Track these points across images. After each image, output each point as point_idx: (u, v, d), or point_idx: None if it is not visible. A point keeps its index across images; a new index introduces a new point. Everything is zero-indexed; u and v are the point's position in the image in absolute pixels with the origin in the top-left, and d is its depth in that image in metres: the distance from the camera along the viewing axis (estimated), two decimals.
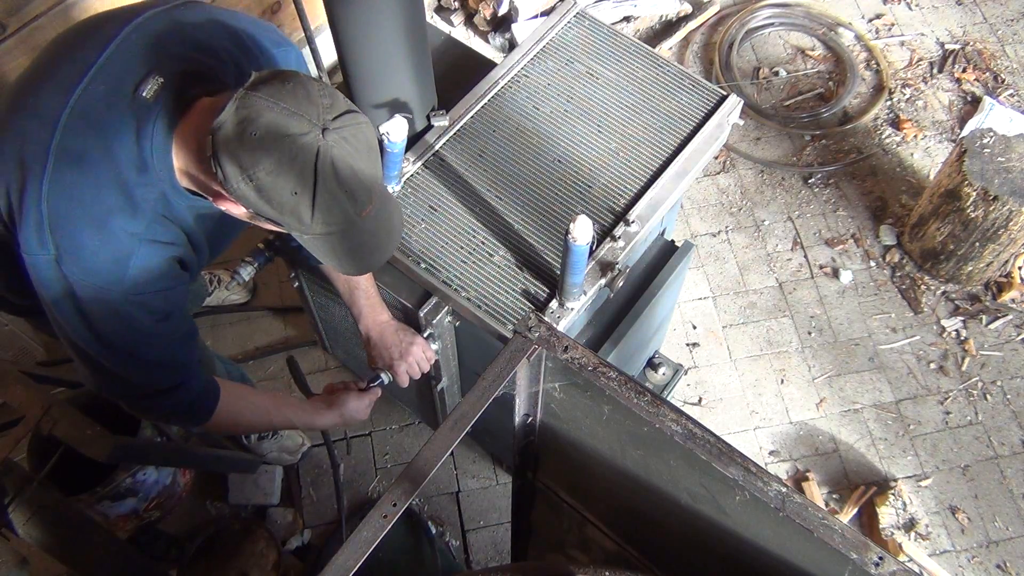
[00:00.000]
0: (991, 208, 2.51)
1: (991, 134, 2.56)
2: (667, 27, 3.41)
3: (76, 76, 1.20)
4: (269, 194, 1.09)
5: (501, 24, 3.32)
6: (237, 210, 1.19)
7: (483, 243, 1.68)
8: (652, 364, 2.39)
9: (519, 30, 3.25)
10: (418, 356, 1.77)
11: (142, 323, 1.29)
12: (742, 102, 1.84)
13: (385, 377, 1.82)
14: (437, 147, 1.78)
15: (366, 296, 1.73)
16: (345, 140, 1.10)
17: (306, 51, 3.00)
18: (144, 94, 1.18)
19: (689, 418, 1.02)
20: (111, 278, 1.23)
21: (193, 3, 1.35)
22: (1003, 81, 3.27)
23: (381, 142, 1.60)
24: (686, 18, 3.40)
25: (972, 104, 3.21)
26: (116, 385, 1.38)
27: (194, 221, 1.32)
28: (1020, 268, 2.85)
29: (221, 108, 1.08)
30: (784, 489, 0.97)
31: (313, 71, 3.13)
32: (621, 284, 1.66)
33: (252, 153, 1.06)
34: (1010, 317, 2.78)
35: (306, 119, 1.08)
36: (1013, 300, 2.81)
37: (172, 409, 1.45)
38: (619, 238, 1.65)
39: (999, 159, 2.52)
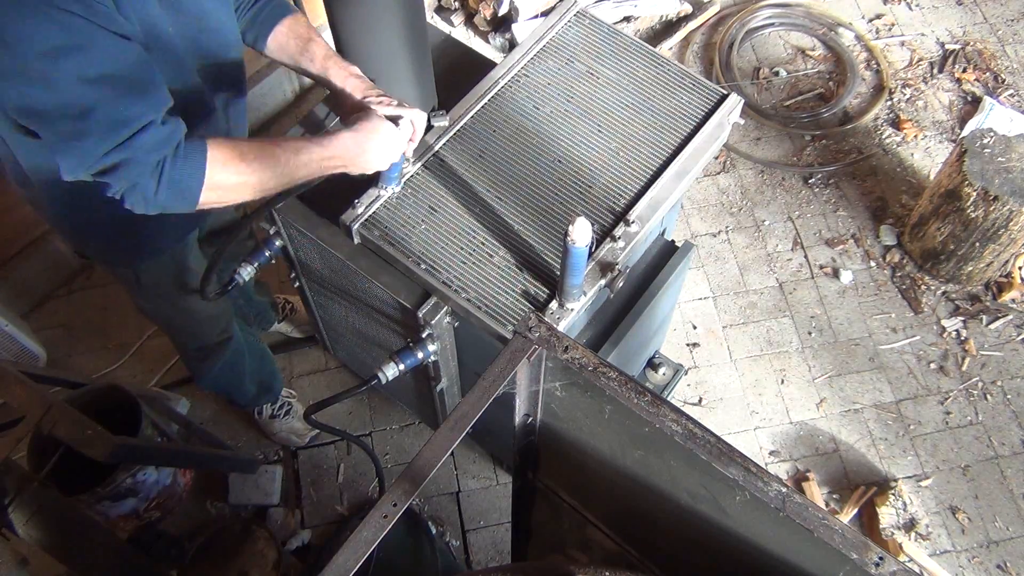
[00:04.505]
0: (991, 208, 2.51)
1: (991, 134, 2.56)
2: (667, 27, 3.41)
3: None
4: None
5: (501, 24, 3.32)
6: None
7: (483, 243, 1.67)
8: (652, 364, 2.39)
9: (519, 30, 3.25)
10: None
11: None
12: (742, 101, 1.84)
13: (439, 120, 1.70)
14: (437, 147, 1.78)
15: (323, 49, 1.57)
16: None
17: None
18: None
19: (689, 418, 1.02)
20: None
21: None
22: (1003, 81, 3.27)
23: None
24: (686, 18, 3.40)
25: (972, 104, 3.21)
26: (82, 144, 1.23)
27: None
28: (1020, 268, 2.85)
29: None
30: (784, 489, 0.97)
31: None
32: (621, 284, 1.65)
33: None
34: (1010, 317, 2.78)
35: None
36: (1013, 300, 2.81)
37: (142, 163, 1.26)
38: (619, 238, 1.65)
39: (999, 159, 2.52)
